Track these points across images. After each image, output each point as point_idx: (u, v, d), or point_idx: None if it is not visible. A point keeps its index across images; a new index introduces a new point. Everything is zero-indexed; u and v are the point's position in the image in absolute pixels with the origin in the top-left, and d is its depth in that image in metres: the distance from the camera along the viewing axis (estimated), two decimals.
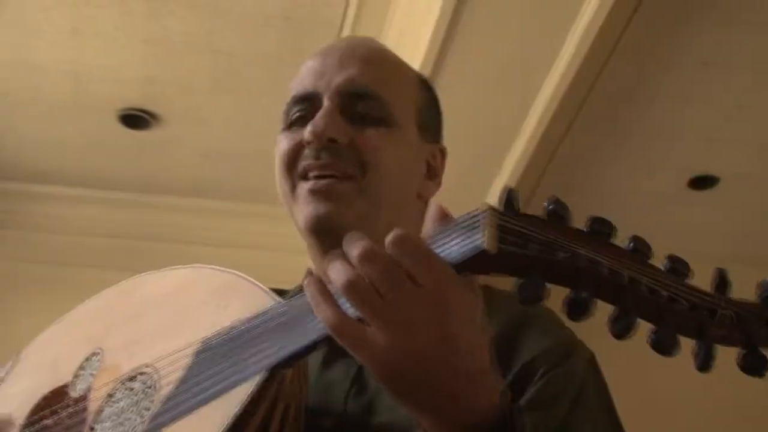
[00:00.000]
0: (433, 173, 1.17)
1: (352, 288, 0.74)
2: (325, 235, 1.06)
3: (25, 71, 3.14)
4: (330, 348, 1.06)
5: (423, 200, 1.16)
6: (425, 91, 1.20)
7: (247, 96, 3.22)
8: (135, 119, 3.27)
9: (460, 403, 0.76)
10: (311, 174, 1.08)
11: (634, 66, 3.08)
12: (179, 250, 3.28)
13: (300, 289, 1.14)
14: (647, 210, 3.70)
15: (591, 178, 3.63)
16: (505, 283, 0.78)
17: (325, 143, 1.07)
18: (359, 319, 0.76)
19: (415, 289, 0.73)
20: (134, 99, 3.24)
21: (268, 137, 3.64)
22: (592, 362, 1.03)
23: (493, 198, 3.12)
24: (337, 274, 0.75)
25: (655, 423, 3.04)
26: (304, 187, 1.08)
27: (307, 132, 1.07)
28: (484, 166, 3.02)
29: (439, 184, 1.18)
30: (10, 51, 3.07)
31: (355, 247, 0.75)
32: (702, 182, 3.71)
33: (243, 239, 3.53)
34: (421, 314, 0.73)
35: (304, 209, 1.07)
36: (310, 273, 1.16)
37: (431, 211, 0.79)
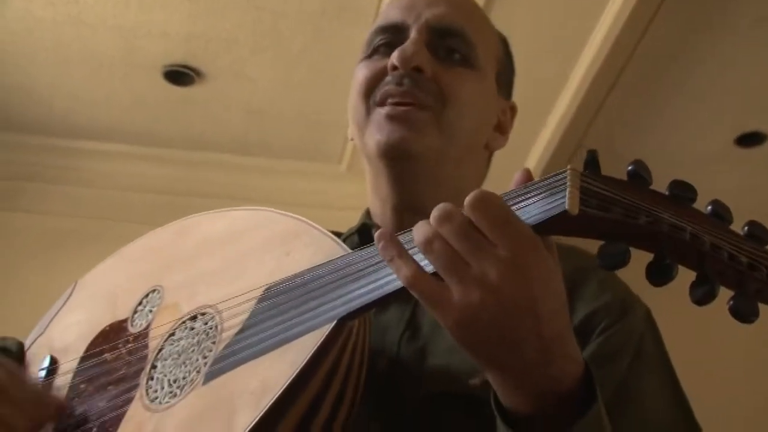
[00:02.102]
0: (502, 128, 1.19)
1: (428, 246, 0.74)
2: (396, 162, 1.07)
3: (74, 28, 3.15)
4: None
5: (489, 152, 1.18)
6: (504, 47, 1.21)
7: (289, 54, 3.21)
8: (179, 76, 3.28)
9: (536, 368, 0.75)
10: (390, 100, 1.08)
11: (679, 26, 3.03)
12: (222, 206, 3.28)
13: (354, 233, 1.16)
14: (694, 169, 3.60)
15: (635, 138, 3.54)
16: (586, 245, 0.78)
17: (410, 71, 1.07)
18: (435, 275, 0.76)
19: (493, 251, 0.72)
20: (178, 55, 3.24)
21: (310, 95, 3.64)
22: (649, 317, 1.04)
23: (534, 157, 3.12)
24: (417, 231, 0.75)
25: (703, 380, 2.98)
26: (381, 112, 1.08)
27: (393, 57, 1.08)
28: (525, 125, 2.99)
29: (506, 140, 1.19)
30: (59, 8, 3.08)
31: (436, 209, 0.75)
32: (750, 140, 3.61)
33: (286, 197, 3.54)
34: (498, 276, 0.72)
35: (378, 133, 1.07)
36: (368, 214, 1.16)
37: (516, 175, 0.78)
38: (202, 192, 3.36)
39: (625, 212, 0.72)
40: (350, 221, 1.21)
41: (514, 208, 0.75)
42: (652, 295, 0.94)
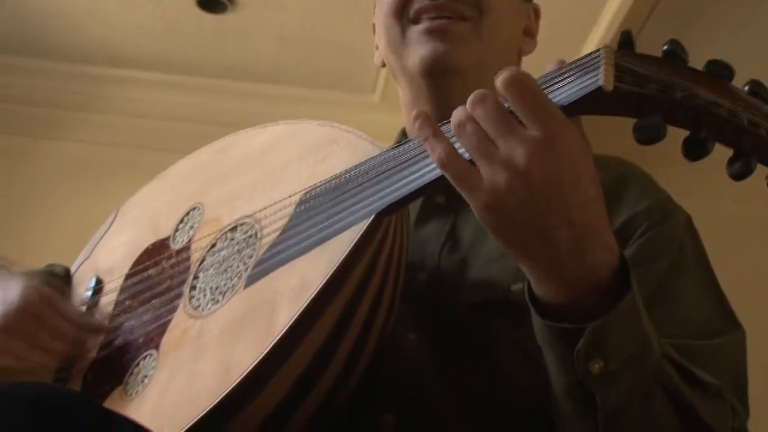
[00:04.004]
0: (531, 32, 1.19)
1: (461, 129, 0.74)
2: (439, 77, 1.06)
3: None
4: (424, 206, 1.08)
5: (520, 57, 1.17)
6: None
7: None
8: (212, 3, 3.25)
9: (568, 257, 0.74)
10: (425, 16, 1.07)
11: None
12: None
13: (398, 142, 1.16)
14: (757, 69, 3.48)
15: (692, 36, 3.43)
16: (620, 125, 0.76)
17: None
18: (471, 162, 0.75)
19: (524, 133, 0.71)
20: None
21: (343, 22, 3.59)
22: (689, 223, 1.04)
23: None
24: (453, 116, 0.75)
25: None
26: (418, 29, 1.08)
27: None
28: (577, 22, 2.97)
29: (535, 44, 1.19)
30: None
31: (472, 94, 0.74)
32: None
33: None
34: (527, 159, 0.71)
35: (419, 50, 1.07)
36: (403, 134, 1.17)
37: (549, 66, 0.77)
38: (234, 121, 3.34)
39: (660, 88, 0.71)
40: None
41: (547, 91, 0.74)
42: None
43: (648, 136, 0.70)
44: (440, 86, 1.07)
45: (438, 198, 1.08)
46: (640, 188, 1.03)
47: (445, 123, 0.78)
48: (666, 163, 1.58)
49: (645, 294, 0.81)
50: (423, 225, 1.06)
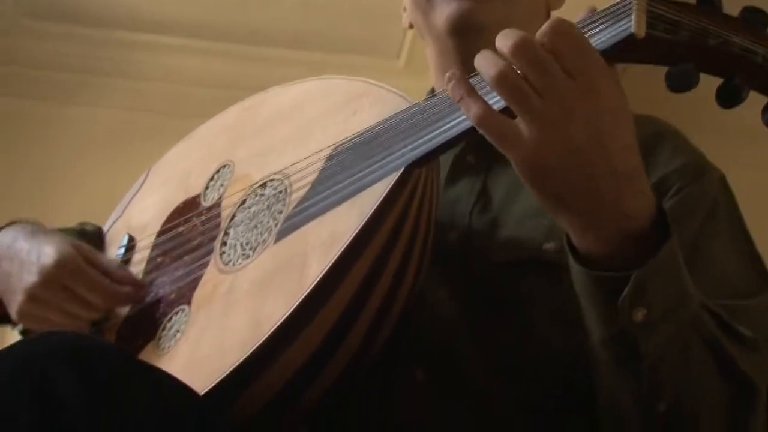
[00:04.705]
0: None
1: (503, 79, 0.71)
2: (465, 35, 1.05)
3: None
4: (454, 165, 1.08)
5: (549, 12, 1.16)
6: None
7: None
8: None
9: (608, 206, 0.73)
10: None
11: None
12: None
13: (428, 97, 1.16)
14: None
15: None
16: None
17: None
18: (503, 113, 0.74)
19: (568, 81, 0.70)
20: None
21: None
22: (723, 182, 1.03)
23: None
24: (488, 66, 0.72)
25: None
26: None
27: None
28: None
29: (562, 1, 1.18)
30: None
31: (509, 38, 0.72)
32: None
33: None
34: (573, 107, 0.70)
35: (445, 9, 1.06)
36: (432, 93, 1.17)
37: (580, 14, 0.76)
38: (259, 86, 3.31)
39: (693, 34, 0.70)
40: None
41: None
42: None
43: (680, 84, 0.70)
44: (467, 44, 1.06)
45: (468, 157, 1.07)
46: (673, 146, 1.02)
47: (474, 75, 0.78)
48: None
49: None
50: (453, 184, 1.06)
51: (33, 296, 1.05)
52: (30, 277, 1.05)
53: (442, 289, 0.98)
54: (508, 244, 0.98)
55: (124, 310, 1.07)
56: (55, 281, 1.04)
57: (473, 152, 1.06)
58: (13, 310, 1.09)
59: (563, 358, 0.92)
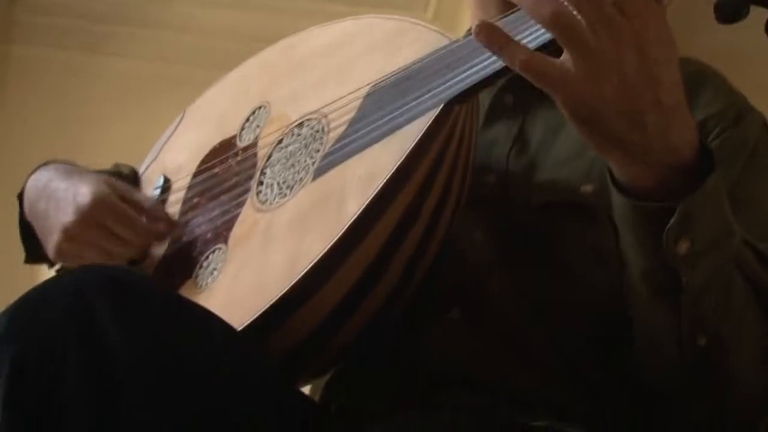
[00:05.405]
0: None
1: (558, 18, 0.70)
2: None
3: None
4: (491, 107, 1.07)
5: None
6: None
7: None
8: None
9: (654, 139, 0.73)
10: None
11: None
12: None
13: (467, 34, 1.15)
14: None
15: None
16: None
17: None
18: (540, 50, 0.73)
19: (622, 20, 0.69)
20: None
21: None
22: (765, 125, 1.02)
23: None
24: (539, 5, 0.71)
25: None
26: None
27: None
28: None
29: None
30: None
31: None
32: None
33: None
34: (626, 45, 0.69)
35: None
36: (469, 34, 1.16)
37: None
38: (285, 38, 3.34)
39: None
40: None
41: None
42: None
43: (729, 14, 0.69)
44: None
45: (506, 98, 1.06)
46: (714, 89, 1.01)
47: (509, 14, 0.76)
48: None
49: None
50: (490, 126, 1.05)
51: (70, 235, 1.06)
52: (66, 217, 1.06)
53: (477, 231, 0.98)
54: (545, 187, 0.98)
55: (161, 250, 1.08)
56: (91, 219, 1.05)
57: (511, 92, 1.05)
58: (50, 249, 1.10)
59: (598, 299, 0.92)
